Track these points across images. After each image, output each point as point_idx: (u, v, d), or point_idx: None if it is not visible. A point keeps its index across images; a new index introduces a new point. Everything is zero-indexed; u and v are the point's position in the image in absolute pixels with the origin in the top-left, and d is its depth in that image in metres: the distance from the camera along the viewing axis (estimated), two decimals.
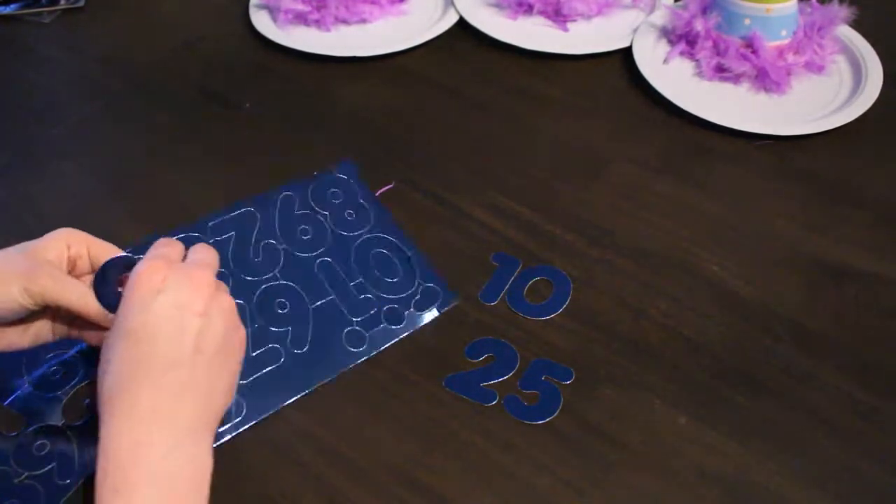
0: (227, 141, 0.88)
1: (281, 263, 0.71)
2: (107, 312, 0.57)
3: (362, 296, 0.69)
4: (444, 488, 0.59)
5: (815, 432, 0.62)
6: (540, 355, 0.67)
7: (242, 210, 0.74)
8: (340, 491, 0.59)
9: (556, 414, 0.64)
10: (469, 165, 0.84)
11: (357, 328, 0.67)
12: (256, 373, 0.64)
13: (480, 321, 0.70)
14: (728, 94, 0.92)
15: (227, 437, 0.61)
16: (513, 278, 0.73)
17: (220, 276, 0.62)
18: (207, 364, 0.52)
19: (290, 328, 0.67)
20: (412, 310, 0.69)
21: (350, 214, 0.74)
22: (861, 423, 0.63)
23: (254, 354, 0.65)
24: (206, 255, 0.59)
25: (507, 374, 0.66)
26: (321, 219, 0.74)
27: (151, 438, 0.49)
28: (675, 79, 0.93)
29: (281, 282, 0.70)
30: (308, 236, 0.72)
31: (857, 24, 0.95)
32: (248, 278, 0.70)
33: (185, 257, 0.59)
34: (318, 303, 0.69)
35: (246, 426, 0.62)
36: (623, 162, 0.84)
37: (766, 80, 0.91)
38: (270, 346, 0.66)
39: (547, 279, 0.73)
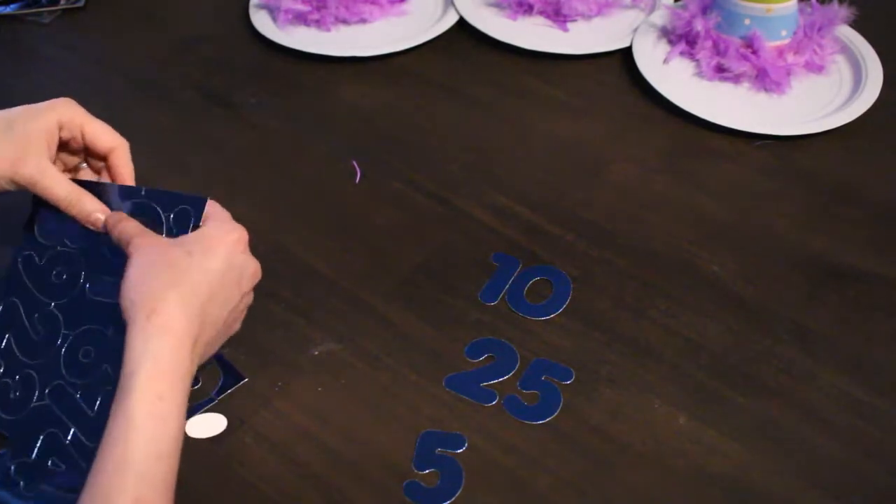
0: (227, 141, 0.88)
1: (62, 320, 0.62)
2: (89, 213, 0.60)
3: None
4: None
5: (815, 432, 0.62)
6: (540, 355, 0.67)
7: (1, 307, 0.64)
8: (340, 491, 0.59)
9: (556, 414, 0.63)
10: (469, 165, 0.84)
11: None
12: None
13: (480, 321, 0.70)
14: (728, 94, 0.92)
15: None
16: (513, 278, 0.73)
17: (26, 378, 0.61)
18: (226, 328, 0.60)
19: (105, 365, 0.59)
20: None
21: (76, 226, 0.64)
22: (861, 423, 0.63)
23: (95, 410, 0.59)
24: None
25: (507, 374, 0.66)
26: (64, 249, 0.63)
27: (191, 364, 0.55)
28: (675, 79, 0.93)
29: (73, 334, 0.61)
30: (64, 275, 0.63)
31: (857, 24, 0.95)
32: (41, 360, 0.61)
33: None
34: (115, 327, 0.58)
35: None
36: (623, 162, 0.84)
37: (766, 80, 0.91)
38: (99, 400, 0.59)
39: (547, 279, 0.73)
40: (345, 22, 1.01)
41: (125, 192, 0.62)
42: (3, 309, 0.63)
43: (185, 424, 0.54)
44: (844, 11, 0.93)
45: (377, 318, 0.70)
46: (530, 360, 0.67)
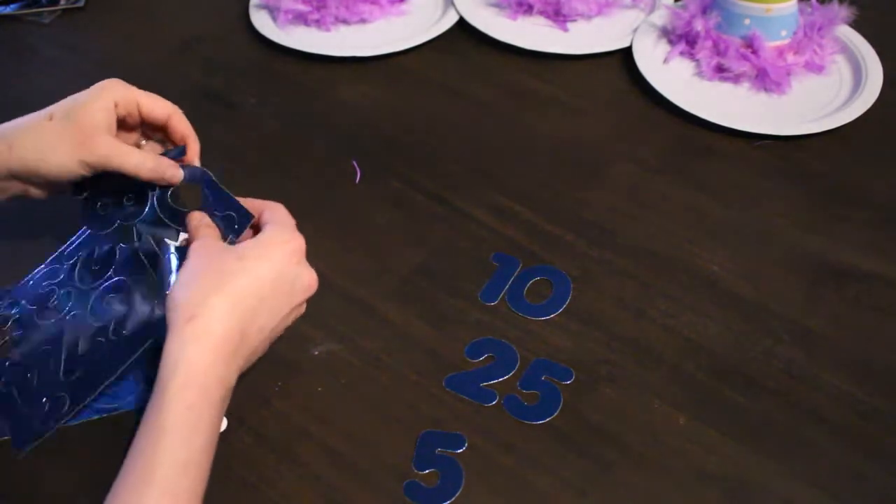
0: (228, 141, 0.88)
1: (117, 256, 0.65)
2: (157, 171, 0.62)
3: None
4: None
5: (815, 432, 0.62)
6: (540, 355, 0.67)
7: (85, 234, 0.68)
8: (340, 491, 0.60)
9: (556, 414, 0.64)
10: (469, 165, 0.84)
11: None
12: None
13: (480, 321, 0.70)
14: (728, 94, 0.92)
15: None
16: (513, 278, 0.73)
17: (65, 295, 0.65)
18: (269, 338, 0.59)
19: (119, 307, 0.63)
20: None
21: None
22: (861, 423, 0.63)
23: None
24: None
25: (507, 374, 0.66)
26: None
27: (228, 373, 0.54)
28: (675, 79, 0.93)
29: (115, 278, 0.65)
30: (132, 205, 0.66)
31: (857, 24, 0.95)
32: (85, 287, 0.65)
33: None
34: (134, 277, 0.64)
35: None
36: (623, 162, 0.84)
37: (766, 80, 0.91)
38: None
39: (547, 279, 0.73)
40: (345, 22, 1.01)
41: (197, 175, 0.65)
42: (86, 237, 0.67)
43: (217, 434, 0.53)
44: (844, 11, 0.93)
45: (377, 318, 0.70)
46: (530, 360, 0.67)
